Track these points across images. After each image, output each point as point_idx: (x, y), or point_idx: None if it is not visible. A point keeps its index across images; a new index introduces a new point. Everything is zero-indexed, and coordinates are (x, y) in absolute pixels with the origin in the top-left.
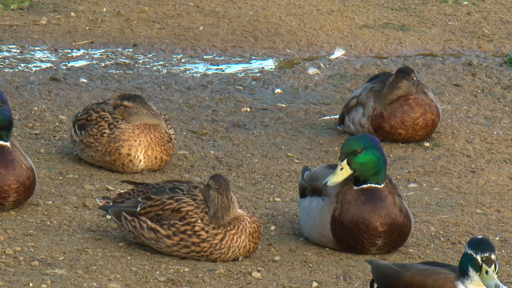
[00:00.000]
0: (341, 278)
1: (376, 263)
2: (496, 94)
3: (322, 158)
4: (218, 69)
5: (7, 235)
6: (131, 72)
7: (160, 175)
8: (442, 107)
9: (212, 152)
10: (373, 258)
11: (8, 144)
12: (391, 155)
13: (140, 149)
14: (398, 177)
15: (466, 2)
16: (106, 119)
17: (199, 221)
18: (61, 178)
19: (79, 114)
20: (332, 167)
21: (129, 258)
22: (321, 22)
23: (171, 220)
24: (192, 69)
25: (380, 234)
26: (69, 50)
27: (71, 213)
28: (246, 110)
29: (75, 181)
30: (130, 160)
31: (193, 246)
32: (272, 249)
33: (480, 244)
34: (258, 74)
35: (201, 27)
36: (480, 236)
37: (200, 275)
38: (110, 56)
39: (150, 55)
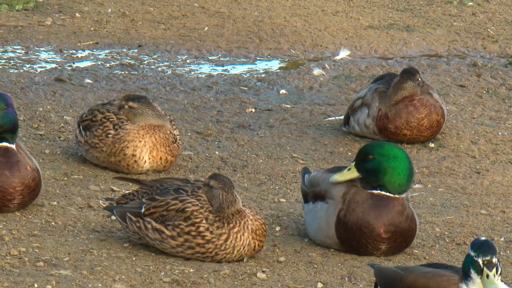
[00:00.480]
0: (346, 279)
1: (379, 267)
2: (501, 95)
3: (327, 159)
4: (223, 70)
5: (12, 235)
6: (136, 73)
7: (165, 176)
8: (447, 108)
9: (217, 153)
10: (376, 261)
11: (13, 146)
12: None
13: (145, 150)
14: None
15: (471, 3)
16: (111, 119)
17: (204, 221)
18: (66, 179)
19: (84, 115)
20: (332, 171)
21: (134, 259)
22: (326, 23)
23: (175, 220)
24: (197, 69)
25: (384, 240)
26: (74, 51)
27: (76, 214)
28: (251, 111)
29: (80, 182)
30: (135, 161)
31: (197, 247)
32: (277, 250)
33: (482, 247)
34: (263, 75)
35: (206, 28)
36: (483, 238)
37: (205, 276)
38: (115, 56)
39: (155, 56)
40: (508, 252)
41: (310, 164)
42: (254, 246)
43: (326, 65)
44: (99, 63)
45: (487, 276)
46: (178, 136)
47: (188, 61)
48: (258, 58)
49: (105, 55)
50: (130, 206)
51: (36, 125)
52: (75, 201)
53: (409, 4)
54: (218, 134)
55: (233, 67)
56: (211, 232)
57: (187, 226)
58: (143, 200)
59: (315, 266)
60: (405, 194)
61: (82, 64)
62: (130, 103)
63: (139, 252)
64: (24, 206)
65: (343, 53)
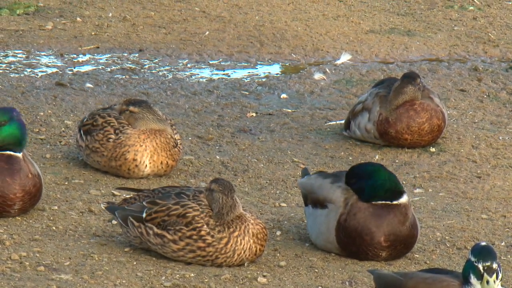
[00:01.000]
0: (347, 284)
1: (378, 273)
2: (502, 99)
3: (327, 164)
4: (224, 74)
5: (13, 240)
6: (137, 77)
7: (166, 181)
8: (448, 112)
9: (217, 157)
10: (376, 266)
11: (18, 154)
12: (396, 161)
13: (146, 154)
14: (404, 182)
15: (472, 8)
16: (112, 124)
17: (205, 226)
18: (66, 183)
19: (85, 119)
20: (326, 176)
21: (134, 263)
22: (327, 27)
23: (177, 225)
24: (198, 74)
25: (384, 248)
26: (75, 55)
27: (77, 218)
28: (252, 115)
29: (80, 186)
30: (136, 165)
31: (198, 251)
32: (278, 254)
33: (483, 253)
34: (264, 79)
35: (207, 32)
36: (484, 243)
37: (206, 280)
38: (116, 61)
39: (156, 60)
40: (509, 256)
41: (311, 168)
42: (256, 250)
43: (327, 70)
44: (100, 67)
45: (487, 282)
46: (179, 141)
47: (189, 65)
48: (259, 63)
49: (106, 60)
50: (131, 209)
51: (37, 130)
52: (76, 206)
53: (410, 9)
54: (219, 138)
55: (234, 72)
56: (212, 236)
57: (188, 230)
58: (144, 203)
59: (316, 270)
60: (405, 198)
61: (83, 69)
62: (131, 108)
63: (140, 256)
64: (25, 212)
65: (344, 58)
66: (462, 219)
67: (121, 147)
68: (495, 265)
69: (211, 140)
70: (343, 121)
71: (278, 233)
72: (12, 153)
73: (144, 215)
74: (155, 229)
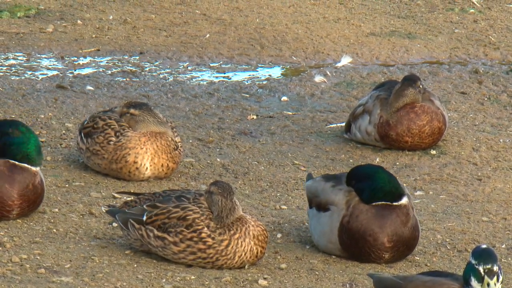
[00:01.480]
0: (348, 286)
1: (378, 277)
2: (503, 102)
3: (328, 166)
4: (224, 77)
5: (13, 242)
6: (138, 80)
7: (167, 183)
8: (449, 115)
9: (218, 160)
10: (377, 268)
11: (31, 168)
12: (397, 163)
13: (146, 157)
14: (405, 185)
15: (472, 10)
16: (112, 126)
17: (205, 228)
18: (67, 185)
19: (86, 122)
20: (329, 179)
21: (135, 265)
22: (327, 30)
23: (177, 228)
24: (199, 77)
25: (388, 249)
26: (76, 58)
27: (78, 221)
28: (253, 118)
29: (81, 189)
30: (137, 168)
31: (199, 253)
32: (279, 257)
33: (483, 255)
34: (264, 82)
35: (208, 35)
36: (484, 246)
37: (207, 283)
38: (116, 64)
39: (157, 63)
40: (510, 259)
41: (312, 171)
42: (257, 252)
43: (328, 72)
44: (101, 70)
45: (488, 284)
46: (179, 143)
47: (189, 68)
48: (259, 65)
49: (107, 62)
50: (132, 212)
51: (38, 132)
52: (77, 208)
53: (411, 11)
54: (220, 141)
55: (235, 74)
56: (213, 238)
57: (189, 232)
58: (144, 206)
59: (317, 273)
60: (406, 200)
61: (83, 71)
62: (132, 110)
63: (140, 259)
64: (25, 216)
65: (345, 60)
66: (462, 221)
67: (121, 149)
68: (495, 268)
69: (211, 143)
70: (343, 124)
71: (279, 235)
72: (23, 164)
73: (144, 218)
74: (156, 232)
